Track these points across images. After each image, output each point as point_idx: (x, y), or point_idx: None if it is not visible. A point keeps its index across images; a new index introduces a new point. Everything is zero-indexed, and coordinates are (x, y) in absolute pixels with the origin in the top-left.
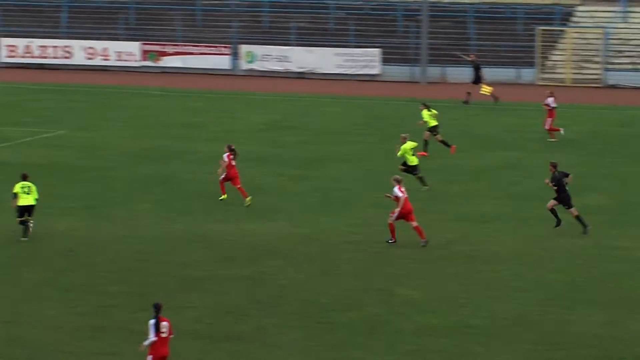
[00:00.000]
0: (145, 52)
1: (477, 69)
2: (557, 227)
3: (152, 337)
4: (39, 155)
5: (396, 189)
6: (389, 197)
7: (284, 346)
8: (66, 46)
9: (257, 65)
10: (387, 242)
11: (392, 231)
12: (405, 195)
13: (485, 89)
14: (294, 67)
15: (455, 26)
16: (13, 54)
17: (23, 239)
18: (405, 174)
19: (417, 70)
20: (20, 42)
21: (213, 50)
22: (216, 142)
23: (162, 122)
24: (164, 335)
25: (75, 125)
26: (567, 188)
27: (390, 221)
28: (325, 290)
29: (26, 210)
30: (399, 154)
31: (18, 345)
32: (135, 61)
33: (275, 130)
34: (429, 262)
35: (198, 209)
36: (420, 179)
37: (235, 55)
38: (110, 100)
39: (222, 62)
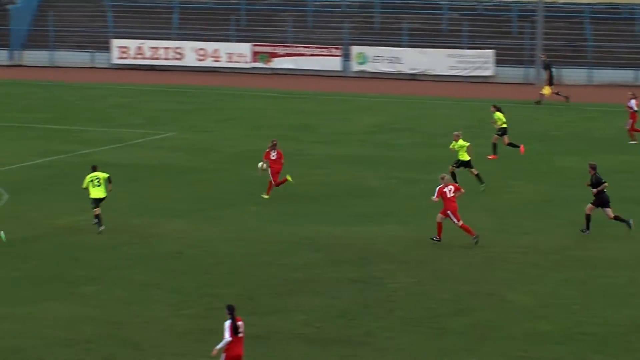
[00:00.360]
0: (255, 53)
1: (548, 68)
2: (586, 233)
3: (227, 338)
4: (149, 157)
5: (438, 188)
6: (433, 200)
7: (393, 351)
8: (177, 47)
9: (368, 67)
10: (432, 239)
11: (439, 229)
12: (450, 196)
13: (546, 90)
14: (405, 69)
15: (570, 27)
16: (124, 55)
17: (101, 228)
18: (459, 171)
19: (531, 71)
20: (132, 44)
21: (324, 51)
22: (326, 144)
23: (272, 124)
24: (240, 335)
25: (186, 126)
26: (605, 191)
27: (461, 224)
28: (435, 295)
29: (99, 201)
30: (453, 146)
31: (128, 347)
32: (246, 63)
33: (386, 132)
34: (541, 267)
35: (306, 211)
36: (477, 177)
37: (346, 56)
38: (221, 102)
39: (333, 63)
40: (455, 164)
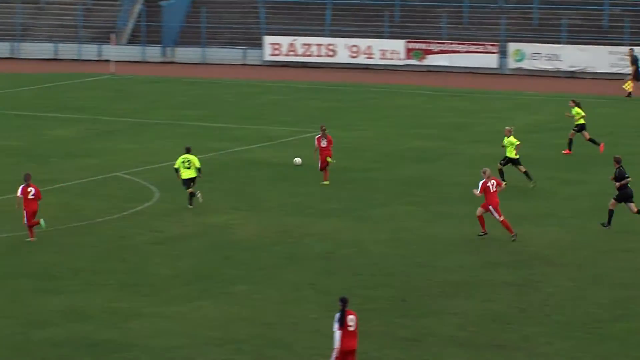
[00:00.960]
0: (409, 50)
1: (635, 63)
2: (607, 227)
3: (336, 330)
4: (299, 155)
5: (482, 183)
6: (476, 194)
7: (550, 356)
8: (330, 44)
9: (525, 64)
10: (479, 235)
11: (482, 224)
12: (493, 190)
13: (628, 85)
14: (564, 66)
15: None
16: (277, 52)
17: (189, 206)
18: (507, 168)
19: None
20: (284, 40)
21: (480, 48)
22: (480, 143)
23: (426, 122)
24: (351, 329)
25: (337, 125)
26: (629, 185)
27: (502, 220)
28: (594, 300)
29: (190, 181)
30: (504, 142)
31: (279, 347)
32: (400, 60)
33: (544, 131)
34: None
35: (461, 212)
36: (526, 174)
37: (503, 53)
38: (373, 99)
39: (489, 60)
40: (503, 161)
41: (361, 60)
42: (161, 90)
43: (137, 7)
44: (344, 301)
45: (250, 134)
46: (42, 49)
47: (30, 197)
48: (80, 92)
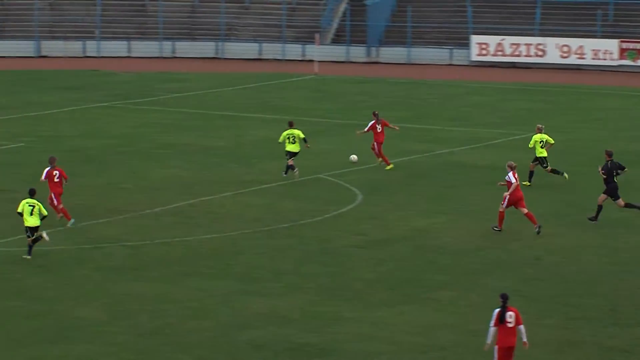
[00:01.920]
0: (623, 50)
1: None
2: (593, 222)
3: (491, 326)
4: (508, 158)
5: (510, 175)
6: (502, 184)
7: None
8: (539, 44)
9: None
10: (493, 229)
11: (500, 220)
12: (517, 183)
13: None
14: None
15: None
16: (484, 52)
17: (284, 175)
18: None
19: None
20: (492, 40)
21: None
22: None
23: (639, 125)
24: (509, 325)
25: (546, 127)
26: (615, 179)
27: (500, 209)
28: None
29: (294, 155)
30: (530, 144)
31: (484, 355)
32: (612, 60)
33: None
34: None
35: None
36: (553, 171)
37: None
38: (584, 101)
39: None
40: (535, 161)
41: (572, 60)
42: (365, 91)
43: (342, 6)
44: (504, 297)
45: (456, 135)
46: (246, 49)
47: (55, 180)
48: (284, 93)
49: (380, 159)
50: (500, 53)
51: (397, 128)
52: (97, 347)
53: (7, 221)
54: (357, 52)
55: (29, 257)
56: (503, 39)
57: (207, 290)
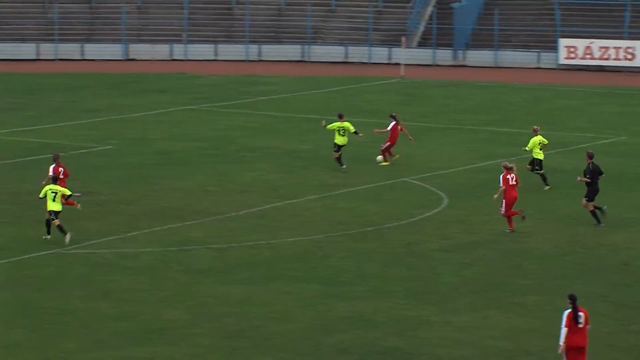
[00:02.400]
0: None
1: None
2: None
3: (563, 328)
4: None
5: (500, 177)
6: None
7: None
8: (628, 47)
9: None
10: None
11: (509, 221)
12: (517, 184)
13: None
14: None
15: None
16: (572, 55)
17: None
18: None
19: None
20: (580, 43)
21: None
22: None
23: None
24: (580, 325)
25: (636, 131)
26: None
27: (503, 213)
28: None
29: (341, 147)
30: (527, 147)
31: None
32: None
33: None
34: None
35: None
36: (543, 177)
37: None
38: None
39: None
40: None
41: None
42: (451, 94)
43: (429, 10)
44: (573, 299)
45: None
46: (332, 52)
47: (61, 176)
48: (370, 96)
49: (386, 158)
50: (588, 56)
51: (411, 139)
52: (182, 349)
53: (95, 224)
54: (444, 55)
55: (48, 236)
56: (591, 42)
57: (292, 293)
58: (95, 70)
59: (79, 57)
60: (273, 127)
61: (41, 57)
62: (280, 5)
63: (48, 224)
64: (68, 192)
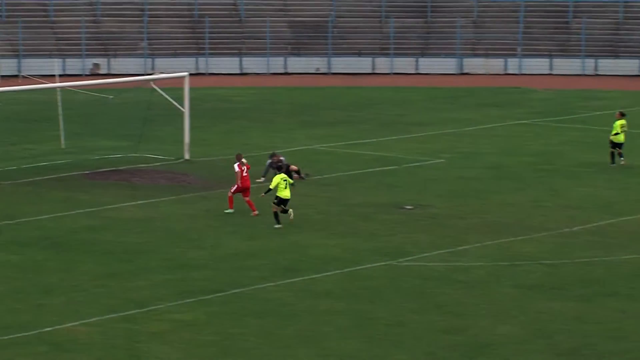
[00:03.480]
0: None
1: None
2: None
3: None
4: None
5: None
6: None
7: None
8: None
9: None
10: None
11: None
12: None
13: None
14: None
15: None
16: None
17: None
18: None
19: None
20: None
21: None
22: None
23: None
24: None
25: None
26: None
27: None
28: None
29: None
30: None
31: None
32: None
33: None
34: None
35: None
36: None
37: None
38: None
39: None
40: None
41: None
42: None
43: None
44: None
45: None
46: None
47: (244, 174)
48: None
49: None
50: None
51: None
52: None
53: (427, 236)
54: None
55: (279, 225)
56: None
57: (627, 311)
58: (428, 85)
59: (413, 71)
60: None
61: (376, 71)
62: (617, 19)
63: (276, 215)
64: (291, 181)
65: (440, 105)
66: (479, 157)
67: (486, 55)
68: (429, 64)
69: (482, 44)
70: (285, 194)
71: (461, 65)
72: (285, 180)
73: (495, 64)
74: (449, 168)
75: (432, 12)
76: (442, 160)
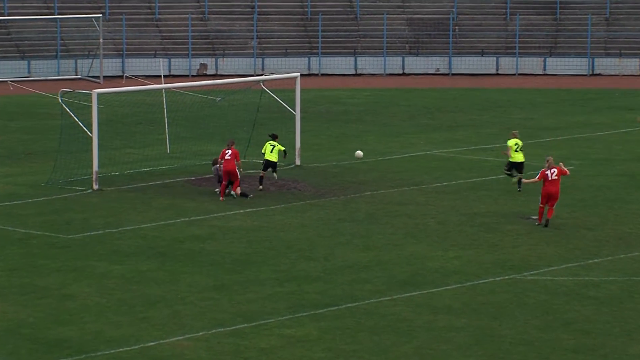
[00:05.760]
0: None
1: None
2: None
3: None
4: None
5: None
6: None
7: None
8: None
9: None
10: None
11: None
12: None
13: None
14: None
15: None
16: None
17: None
18: None
19: None
20: None
21: None
22: None
23: None
24: None
25: None
26: None
27: None
28: None
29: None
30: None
31: None
32: None
33: None
34: None
35: None
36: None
37: None
38: None
39: None
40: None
41: None
42: None
43: None
44: None
45: None
46: None
47: (227, 157)
48: None
49: None
50: None
51: None
52: None
53: (553, 249)
54: None
55: (260, 187)
56: None
57: None
58: (557, 86)
59: (540, 72)
60: None
61: (501, 72)
62: None
63: (261, 178)
64: (282, 147)
65: (570, 108)
66: (611, 163)
67: (619, 55)
68: (557, 64)
69: (615, 43)
70: (271, 157)
71: (592, 66)
72: (273, 145)
73: (629, 64)
74: (578, 175)
75: (561, 8)
76: (571, 167)
